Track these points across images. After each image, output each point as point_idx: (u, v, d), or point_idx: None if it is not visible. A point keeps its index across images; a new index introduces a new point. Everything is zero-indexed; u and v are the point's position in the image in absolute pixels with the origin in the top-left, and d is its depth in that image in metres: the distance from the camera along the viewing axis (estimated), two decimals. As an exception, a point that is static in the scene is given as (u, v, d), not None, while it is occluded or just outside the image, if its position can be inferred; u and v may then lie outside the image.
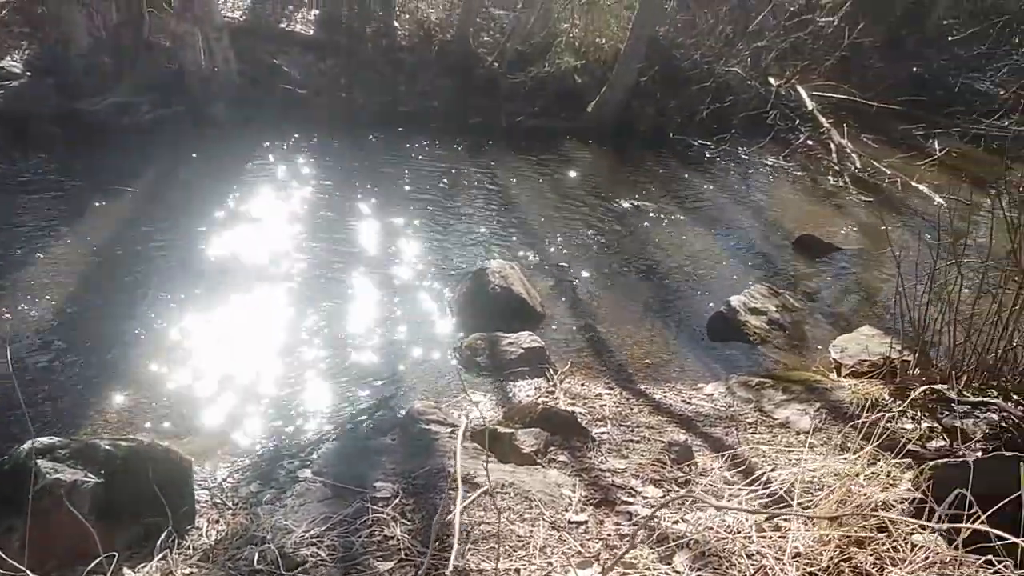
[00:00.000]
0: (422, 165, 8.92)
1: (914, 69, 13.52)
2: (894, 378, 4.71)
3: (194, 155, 8.33)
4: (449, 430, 3.94)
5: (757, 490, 3.21)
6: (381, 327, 5.64)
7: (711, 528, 2.89)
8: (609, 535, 3.00)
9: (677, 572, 2.62)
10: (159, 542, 2.90)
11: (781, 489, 3.12)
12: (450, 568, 2.34)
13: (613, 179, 9.36)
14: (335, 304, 5.85)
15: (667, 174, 9.69)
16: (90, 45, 8.95)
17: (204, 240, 6.57)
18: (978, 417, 4.13)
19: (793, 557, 2.60)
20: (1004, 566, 2.46)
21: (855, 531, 2.68)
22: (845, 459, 3.47)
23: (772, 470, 3.48)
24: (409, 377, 5.09)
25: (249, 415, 4.51)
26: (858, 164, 9.72)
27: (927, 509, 2.75)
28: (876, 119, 11.20)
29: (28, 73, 8.89)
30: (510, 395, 4.89)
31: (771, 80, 11.53)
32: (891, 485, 3.18)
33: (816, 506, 2.97)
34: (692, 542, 2.78)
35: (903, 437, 3.74)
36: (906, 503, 2.98)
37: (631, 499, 3.38)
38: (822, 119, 10.68)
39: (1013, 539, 2.26)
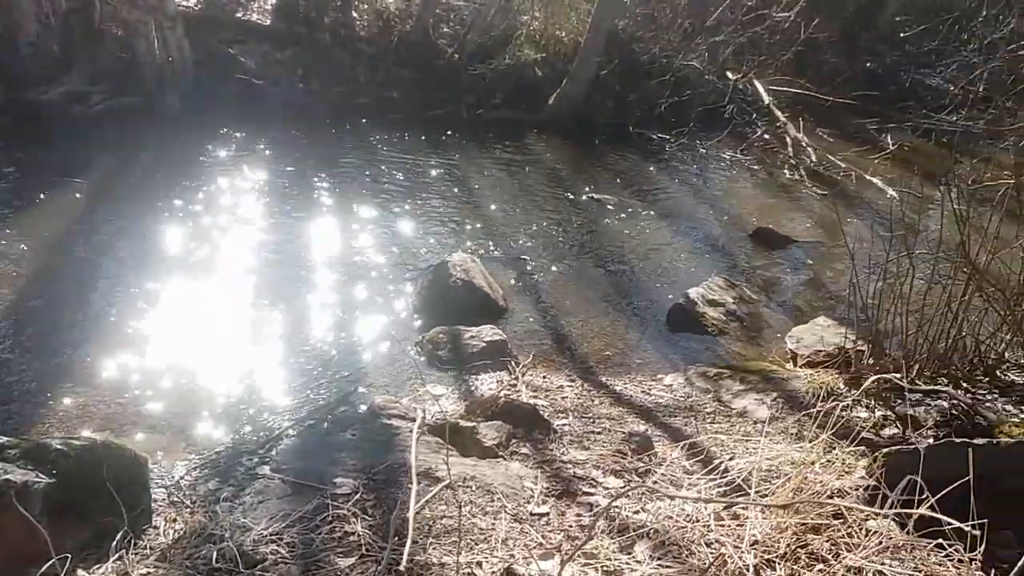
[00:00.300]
0: (382, 157, 8.85)
1: (867, 64, 13.77)
2: (848, 367, 4.80)
3: (148, 146, 8.14)
4: (411, 425, 3.92)
5: (716, 479, 3.25)
6: (341, 321, 5.59)
7: (671, 517, 2.92)
8: (571, 526, 3.02)
9: (638, 562, 2.65)
10: (114, 542, 2.84)
11: (739, 478, 3.17)
12: (403, 563, 2.33)
13: (574, 172, 9.39)
14: (293, 298, 5.78)
15: (627, 167, 9.75)
16: (39, 32, 8.68)
17: (158, 233, 6.44)
18: (929, 405, 4.24)
19: (751, 545, 2.64)
20: (955, 549, 2.53)
21: (811, 518, 2.73)
22: (801, 447, 3.54)
23: (730, 459, 3.53)
24: (370, 372, 5.05)
25: (207, 411, 4.44)
26: (813, 158, 9.88)
27: (880, 495, 2.81)
28: (831, 113, 11.38)
29: (-28, 61, 8.61)
30: (472, 389, 4.89)
31: (728, 75, 11.66)
32: (846, 472, 3.25)
33: (773, 494, 3.02)
34: (652, 531, 2.81)
35: (857, 425, 3.82)
36: (860, 490, 3.05)
37: (592, 490, 3.41)
38: (778, 113, 10.82)
39: (957, 524, 2.32)
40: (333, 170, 8.22)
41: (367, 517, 2.96)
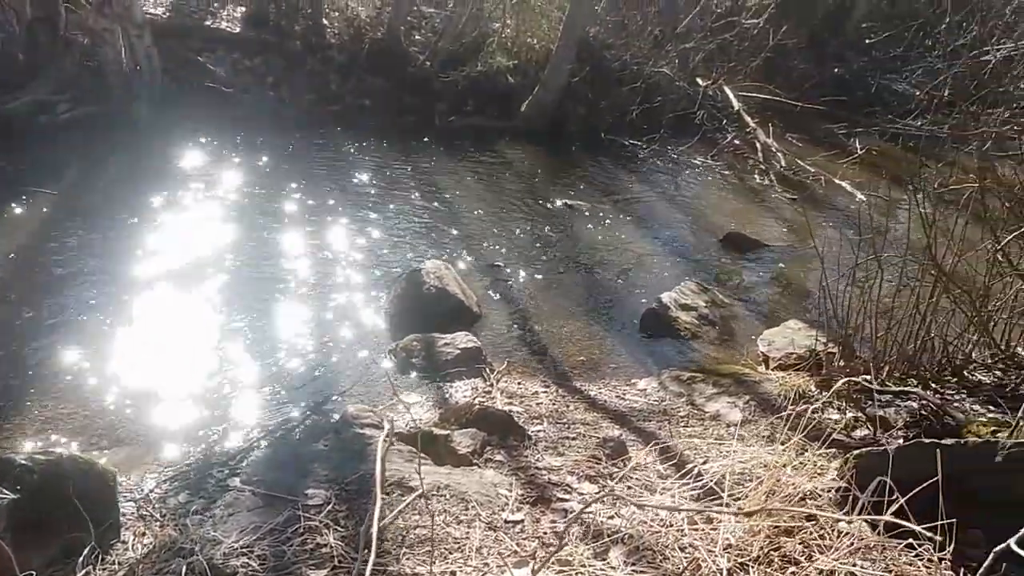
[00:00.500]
0: (354, 164, 8.80)
1: (835, 70, 13.97)
2: (820, 370, 4.85)
3: (116, 155, 8.03)
4: (392, 434, 3.89)
5: (689, 483, 3.26)
6: (313, 330, 5.54)
7: (645, 522, 2.92)
8: (545, 533, 3.01)
9: (612, 568, 2.65)
10: (81, 558, 2.79)
11: (712, 481, 3.18)
12: (367, 572, 2.30)
13: (547, 178, 9.41)
14: (265, 307, 5.72)
15: (600, 173, 9.78)
16: (2, 41, 8.55)
17: (127, 243, 6.34)
18: (899, 406, 4.29)
19: (725, 549, 2.65)
20: (924, 549, 2.55)
21: (784, 521, 2.74)
22: (773, 450, 3.56)
23: (704, 463, 3.55)
24: (342, 381, 5.01)
25: (177, 424, 4.38)
26: (783, 162, 10.00)
27: (851, 497, 2.84)
28: (800, 119, 11.52)
29: (-66, 70, 8.45)
30: (447, 396, 4.87)
31: (699, 81, 11.77)
32: (818, 474, 3.27)
33: (746, 497, 3.03)
34: (627, 537, 2.81)
35: (829, 427, 3.85)
36: (832, 491, 3.07)
37: (567, 496, 3.40)
38: (748, 119, 10.94)
39: (916, 527, 2.34)
40: (304, 178, 8.16)
41: (339, 528, 2.93)
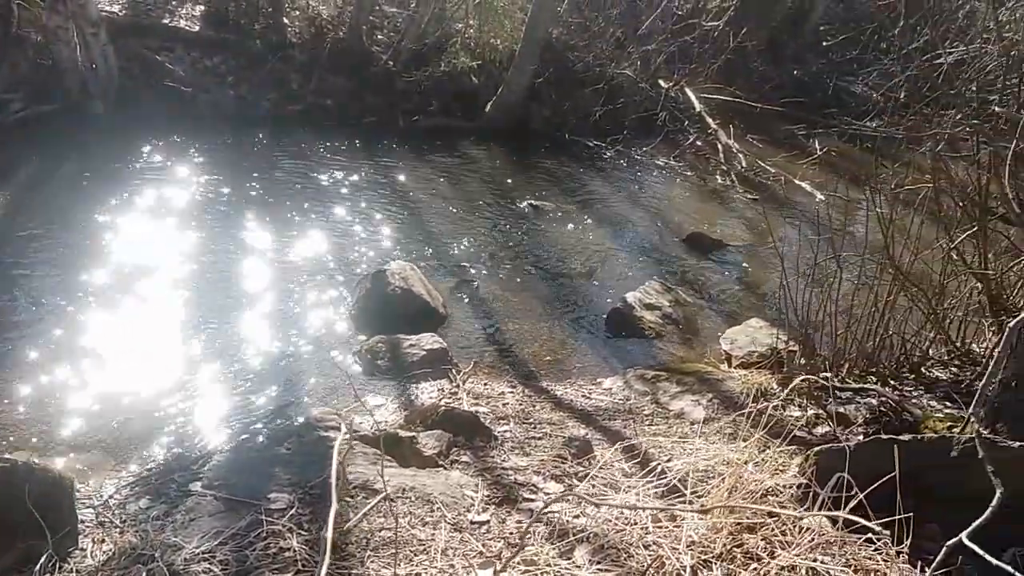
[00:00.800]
0: (316, 165, 8.72)
1: (795, 72, 14.16)
2: (781, 367, 4.92)
3: (71, 155, 7.83)
4: (351, 437, 3.86)
5: (654, 481, 3.29)
6: (277, 332, 5.48)
7: (610, 521, 2.94)
8: (511, 533, 3.01)
9: (577, 566, 2.65)
10: (38, 566, 2.73)
11: (676, 479, 3.21)
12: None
13: (512, 179, 9.41)
14: (227, 310, 5.65)
15: (564, 174, 9.81)
16: (-49, 38, 8.33)
17: (83, 244, 6.21)
18: (859, 402, 4.37)
19: (688, 546, 2.67)
20: (883, 543, 2.60)
21: (747, 517, 2.78)
22: (736, 447, 3.60)
23: (668, 460, 3.58)
24: (307, 384, 4.97)
25: (138, 428, 4.31)
26: (744, 163, 10.12)
27: (812, 493, 2.88)
28: (760, 120, 11.66)
29: None
30: (412, 398, 4.85)
31: (661, 82, 11.85)
32: (779, 471, 3.32)
33: (709, 494, 3.06)
34: (592, 535, 2.82)
35: (790, 424, 3.91)
36: (794, 487, 3.12)
37: (533, 496, 3.41)
38: (709, 120, 11.05)
39: (868, 524, 2.39)
40: (266, 179, 8.06)
41: (303, 532, 2.90)
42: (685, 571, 2.54)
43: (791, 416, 4.22)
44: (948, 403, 4.28)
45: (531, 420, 4.47)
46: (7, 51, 8.49)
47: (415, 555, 2.74)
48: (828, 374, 4.51)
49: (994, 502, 2.03)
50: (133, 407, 4.47)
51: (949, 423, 3.84)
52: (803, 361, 4.80)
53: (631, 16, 12.52)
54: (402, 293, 5.82)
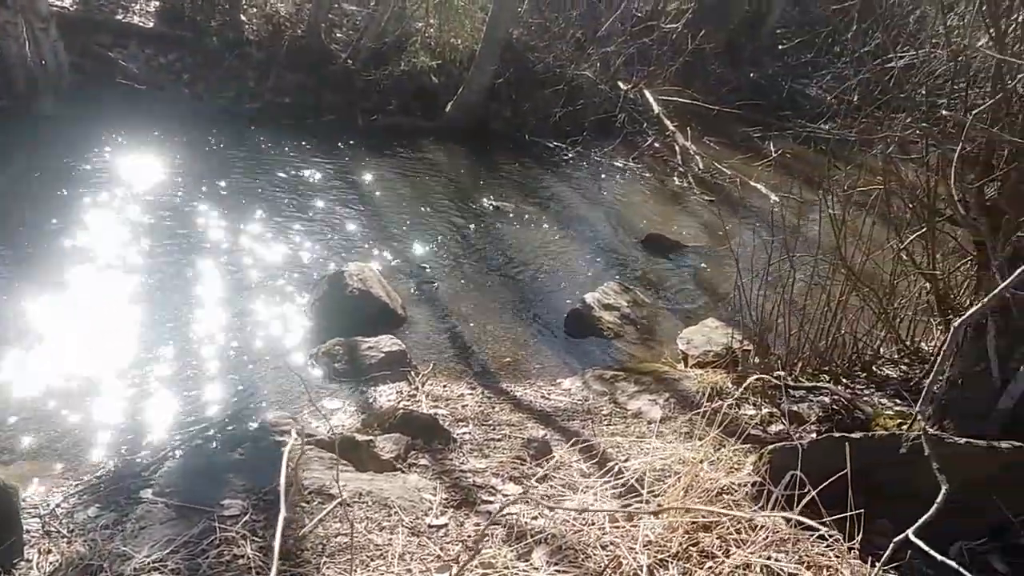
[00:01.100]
0: (274, 164, 8.59)
1: (751, 75, 14.35)
2: (736, 367, 4.98)
3: (18, 154, 7.61)
4: (303, 441, 3.81)
5: (611, 481, 3.30)
6: (231, 335, 5.39)
7: (568, 522, 2.95)
8: (470, 536, 3.00)
9: (535, 568, 2.65)
10: (-21, 580, 2.65)
11: (633, 479, 3.23)
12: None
13: (472, 179, 9.39)
14: (180, 312, 5.54)
15: (524, 174, 9.82)
16: None
17: (30, 244, 6.04)
18: (812, 401, 4.44)
19: (645, 545, 2.69)
20: (835, 540, 2.65)
21: (702, 516, 2.80)
22: (692, 446, 3.64)
23: (625, 460, 3.60)
24: (261, 387, 4.89)
25: (85, 434, 4.20)
26: (701, 165, 10.22)
27: (766, 491, 2.92)
28: (717, 122, 11.79)
29: None
30: (370, 401, 4.81)
31: (620, 84, 11.92)
32: (735, 469, 3.36)
33: (665, 493, 3.09)
34: (550, 536, 2.83)
35: (745, 423, 3.96)
36: (748, 486, 3.16)
37: (491, 498, 3.40)
38: (667, 122, 11.15)
39: (815, 524, 2.42)
40: (222, 178, 7.92)
41: (257, 539, 2.86)
42: (642, 571, 2.55)
43: (746, 415, 4.28)
44: (898, 401, 4.37)
45: (490, 422, 4.47)
46: (-50, 46, 8.23)
47: (372, 560, 2.72)
48: (782, 373, 4.57)
49: (940, 498, 2.07)
50: (82, 412, 4.36)
51: (899, 420, 3.93)
52: (757, 360, 4.87)
53: (591, 18, 12.57)
54: (360, 295, 5.77)
